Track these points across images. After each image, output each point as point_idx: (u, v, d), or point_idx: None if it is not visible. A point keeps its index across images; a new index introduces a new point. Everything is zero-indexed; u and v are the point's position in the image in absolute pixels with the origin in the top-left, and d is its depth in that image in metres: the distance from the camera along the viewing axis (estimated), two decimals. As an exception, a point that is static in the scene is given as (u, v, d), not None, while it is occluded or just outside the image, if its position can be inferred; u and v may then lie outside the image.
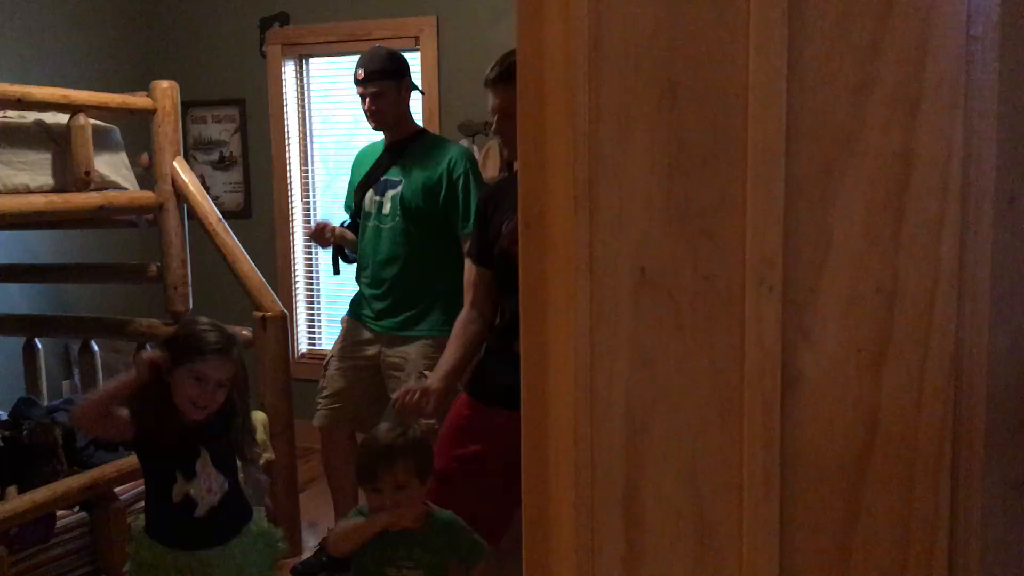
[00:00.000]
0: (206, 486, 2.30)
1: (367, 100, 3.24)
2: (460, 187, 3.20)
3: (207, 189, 3.81)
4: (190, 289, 3.60)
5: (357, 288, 3.47)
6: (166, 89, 3.48)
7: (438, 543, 2.22)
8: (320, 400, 3.44)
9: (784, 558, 1.00)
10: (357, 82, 3.26)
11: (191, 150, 5.22)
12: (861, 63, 0.94)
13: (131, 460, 2.98)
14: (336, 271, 3.60)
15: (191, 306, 3.61)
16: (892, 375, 0.97)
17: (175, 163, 3.50)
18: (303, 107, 5.04)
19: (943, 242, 0.95)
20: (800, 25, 0.94)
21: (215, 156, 5.26)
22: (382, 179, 3.34)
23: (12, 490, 2.80)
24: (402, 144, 3.33)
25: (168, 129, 3.49)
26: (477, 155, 4.61)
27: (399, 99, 3.27)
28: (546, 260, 1.06)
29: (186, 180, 3.50)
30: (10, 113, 3.03)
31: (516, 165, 2.58)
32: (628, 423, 1.04)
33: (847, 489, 0.99)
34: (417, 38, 4.72)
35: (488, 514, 2.39)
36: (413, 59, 4.76)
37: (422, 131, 3.44)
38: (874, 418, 0.98)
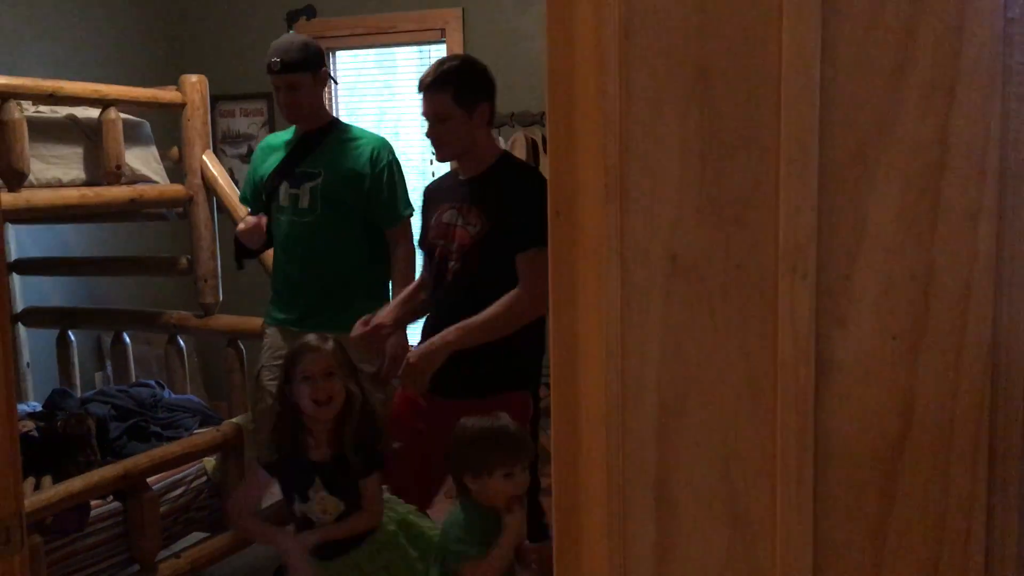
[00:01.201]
0: (320, 508, 2.45)
1: (282, 92, 3.12)
2: (385, 178, 3.09)
3: (236, 182, 3.83)
4: (219, 281, 3.63)
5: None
6: (195, 83, 3.50)
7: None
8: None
9: (818, 545, 1.00)
10: (271, 73, 3.11)
11: (220, 143, 5.26)
12: (896, 46, 0.93)
13: (163, 450, 3.02)
14: (240, 266, 3.40)
15: (220, 298, 3.64)
16: (928, 362, 0.96)
17: (204, 156, 3.53)
18: (330, 100, 5.06)
19: (980, 228, 0.94)
20: (834, 8, 0.93)
21: (243, 149, 5.29)
22: (297, 171, 3.16)
23: (47, 480, 2.83)
24: (316, 135, 3.19)
25: (197, 123, 3.51)
26: (504, 145, 4.61)
27: (315, 90, 3.15)
28: (576, 248, 1.05)
29: (215, 173, 3.53)
30: (42, 108, 3.07)
31: (453, 166, 2.75)
32: (660, 410, 1.03)
33: (882, 477, 0.98)
34: (443, 30, 4.72)
35: (421, 487, 2.70)
36: (439, 51, 4.77)
37: (335, 121, 3.31)
38: (909, 406, 0.97)
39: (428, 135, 2.64)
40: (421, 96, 2.60)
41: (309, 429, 2.44)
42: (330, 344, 2.47)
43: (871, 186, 0.95)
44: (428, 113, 2.59)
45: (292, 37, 3.28)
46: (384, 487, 2.55)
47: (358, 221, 3.13)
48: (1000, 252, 0.93)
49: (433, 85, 2.55)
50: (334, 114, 3.40)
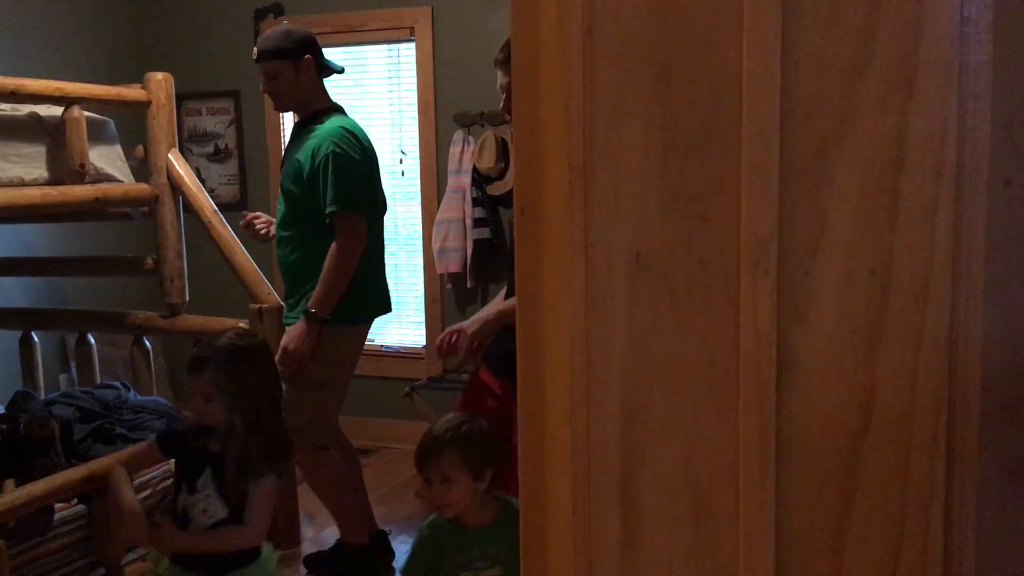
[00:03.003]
0: (202, 506, 2.31)
1: (262, 81, 3.16)
2: (321, 169, 3.07)
3: (202, 181, 3.81)
4: (186, 281, 3.60)
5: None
6: (160, 81, 3.47)
7: (512, 533, 2.18)
8: None
9: (780, 540, 1.01)
10: (255, 61, 3.18)
11: (186, 142, 5.22)
12: (855, 45, 0.94)
13: (128, 452, 2.98)
14: None
15: (187, 298, 3.61)
16: (887, 357, 0.97)
17: (170, 155, 3.50)
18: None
19: (938, 224, 0.95)
20: (794, 7, 0.94)
21: (210, 148, 5.25)
22: (284, 161, 3.30)
23: (10, 483, 2.80)
24: (304, 124, 3.23)
25: (163, 121, 3.48)
26: (472, 146, 4.61)
27: (296, 79, 3.14)
28: (541, 245, 1.06)
29: (181, 172, 3.50)
30: (4, 106, 3.03)
31: None
32: (624, 407, 1.04)
33: (842, 472, 0.99)
34: (412, 28, 4.71)
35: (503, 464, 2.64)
36: (408, 49, 4.75)
37: (324, 110, 3.25)
38: (869, 401, 0.98)
39: (504, 108, 2.64)
40: (500, 71, 2.64)
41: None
42: (221, 358, 2.33)
43: (831, 183, 0.96)
44: (505, 86, 2.59)
45: (277, 27, 3.30)
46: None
47: (307, 211, 3.13)
48: (958, 248, 0.95)
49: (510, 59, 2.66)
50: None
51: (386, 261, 3.45)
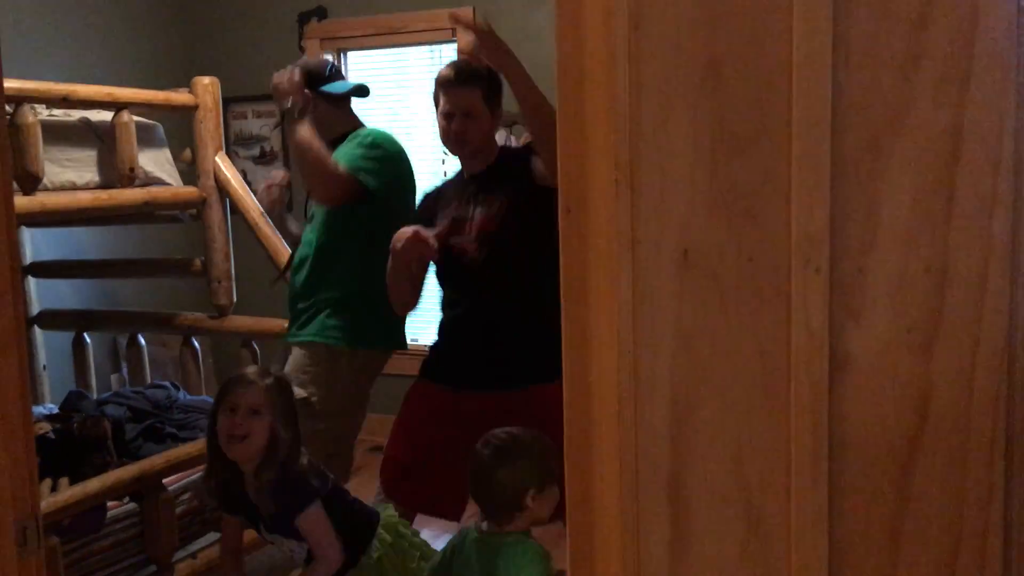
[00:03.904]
0: (284, 549, 2.38)
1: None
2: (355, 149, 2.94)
3: (249, 184, 3.85)
4: (234, 283, 3.64)
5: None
6: (207, 85, 3.51)
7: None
8: None
9: (833, 543, 0.99)
10: None
11: (232, 145, 5.28)
12: (909, 37, 0.92)
13: (179, 451, 3.03)
14: None
15: (235, 299, 3.65)
16: (943, 356, 0.95)
17: (217, 158, 3.54)
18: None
19: (995, 220, 0.93)
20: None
21: (256, 151, 5.31)
22: None
23: (64, 482, 2.85)
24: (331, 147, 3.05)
25: (210, 125, 3.52)
26: (515, 144, 4.59)
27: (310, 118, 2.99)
28: (587, 244, 1.05)
29: (228, 175, 3.54)
30: (56, 111, 3.08)
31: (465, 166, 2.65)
32: (673, 406, 1.03)
33: (897, 472, 0.97)
34: (454, 30, 4.71)
35: (453, 496, 2.57)
36: (450, 50, 4.76)
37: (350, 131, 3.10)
38: (925, 400, 0.96)
39: (454, 129, 2.59)
40: (444, 91, 2.58)
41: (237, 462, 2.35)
42: (269, 380, 2.36)
43: (884, 178, 0.94)
44: (453, 108, 2.56)
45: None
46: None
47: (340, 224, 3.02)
48: (1015, 243, 0.92)
49: (462, 81, 2.55)
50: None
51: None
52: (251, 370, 2.44)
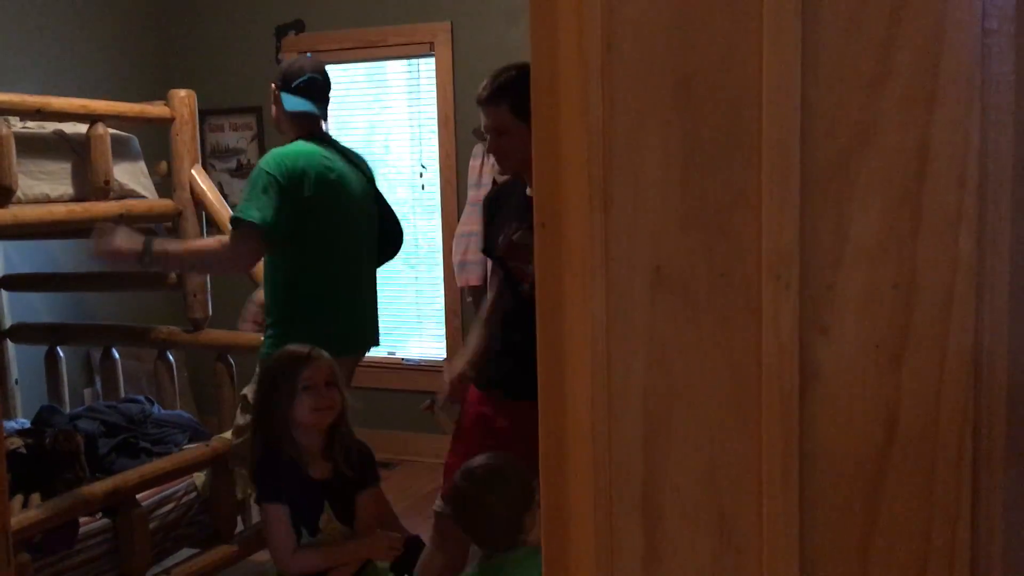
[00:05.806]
0: (329, 541, 2.38)
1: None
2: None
3: (225, 197, 3.83)
4: (209, 296, 3.62)
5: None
6: (183, 98, 3.50)
7: None
8: None
9: (804, 554, 1.00)
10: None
11: (209, 158, 5.26)
12: (876, 57, 0.94)
13: (153, 466, 3.00)
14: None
15: (210, 313, 3.63)
16: (911, 370, 0.96)
17: (193, 171, 3.52)
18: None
19: (961, 236, 0.94)
20: (814, 19, 0.94)
21: (232, 164, 5.29)
22: None
23: (35, 497, 2.82)
24: None
25: (186, 137, 3.51)
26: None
27: (275, 113, 3.13)
28: (561, 259, 1.06)
29: (204, 188, 3.52)
30: (30, 124, 3.06)
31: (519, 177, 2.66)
32: (646, 421, 1.03)
33: (866, 485, 0.98)
34: (431, 44, 4.73)
35: None
36: (428, 65, 4.78)
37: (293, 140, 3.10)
38: (893, 414, 0.97)
39: (489, 149, 2.60)
40: (480, 109, 2.55)
41: (303, 445, 2.39)
42: (323, 352, 2.48)
43: (853, 195, 0.96)
44: (487, 127, 2.53)
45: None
46: None
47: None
48: (981, 259, 0.94)
49: (490, 99, 2.49)
50: (324, 128, 3.29)
51: (375, 289, 3.23)
52: (303, 348, 2.49)
